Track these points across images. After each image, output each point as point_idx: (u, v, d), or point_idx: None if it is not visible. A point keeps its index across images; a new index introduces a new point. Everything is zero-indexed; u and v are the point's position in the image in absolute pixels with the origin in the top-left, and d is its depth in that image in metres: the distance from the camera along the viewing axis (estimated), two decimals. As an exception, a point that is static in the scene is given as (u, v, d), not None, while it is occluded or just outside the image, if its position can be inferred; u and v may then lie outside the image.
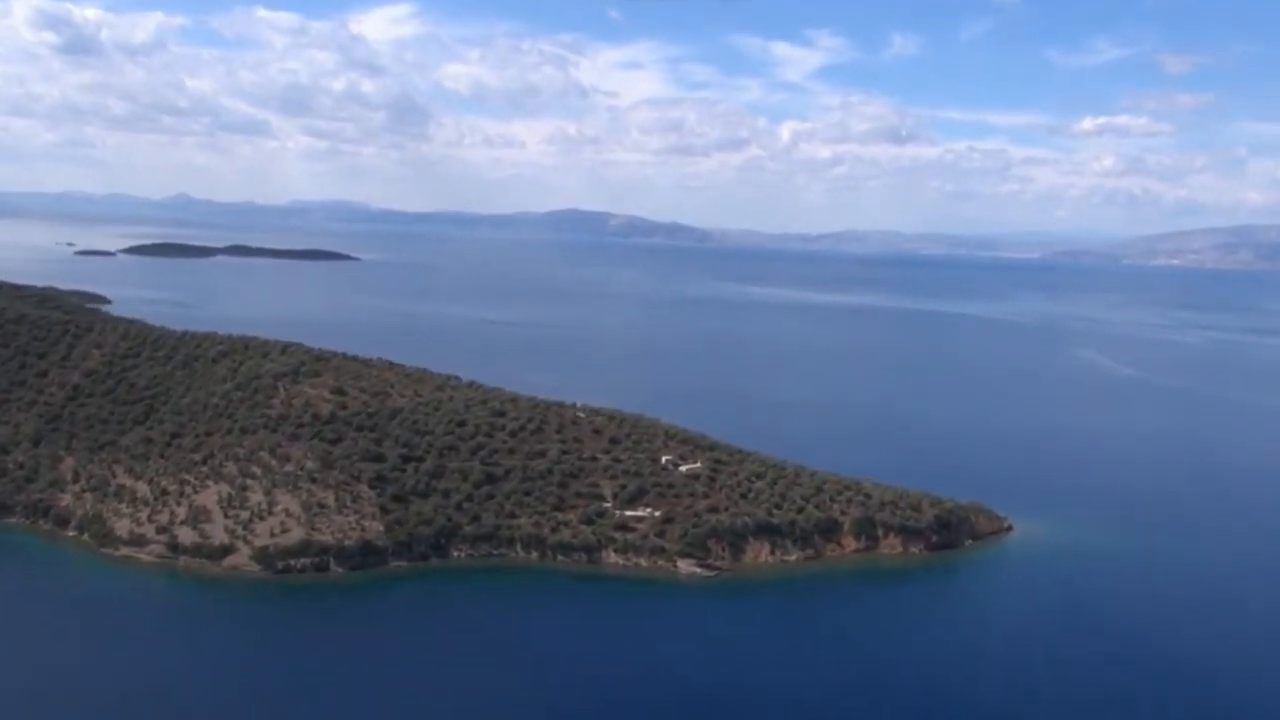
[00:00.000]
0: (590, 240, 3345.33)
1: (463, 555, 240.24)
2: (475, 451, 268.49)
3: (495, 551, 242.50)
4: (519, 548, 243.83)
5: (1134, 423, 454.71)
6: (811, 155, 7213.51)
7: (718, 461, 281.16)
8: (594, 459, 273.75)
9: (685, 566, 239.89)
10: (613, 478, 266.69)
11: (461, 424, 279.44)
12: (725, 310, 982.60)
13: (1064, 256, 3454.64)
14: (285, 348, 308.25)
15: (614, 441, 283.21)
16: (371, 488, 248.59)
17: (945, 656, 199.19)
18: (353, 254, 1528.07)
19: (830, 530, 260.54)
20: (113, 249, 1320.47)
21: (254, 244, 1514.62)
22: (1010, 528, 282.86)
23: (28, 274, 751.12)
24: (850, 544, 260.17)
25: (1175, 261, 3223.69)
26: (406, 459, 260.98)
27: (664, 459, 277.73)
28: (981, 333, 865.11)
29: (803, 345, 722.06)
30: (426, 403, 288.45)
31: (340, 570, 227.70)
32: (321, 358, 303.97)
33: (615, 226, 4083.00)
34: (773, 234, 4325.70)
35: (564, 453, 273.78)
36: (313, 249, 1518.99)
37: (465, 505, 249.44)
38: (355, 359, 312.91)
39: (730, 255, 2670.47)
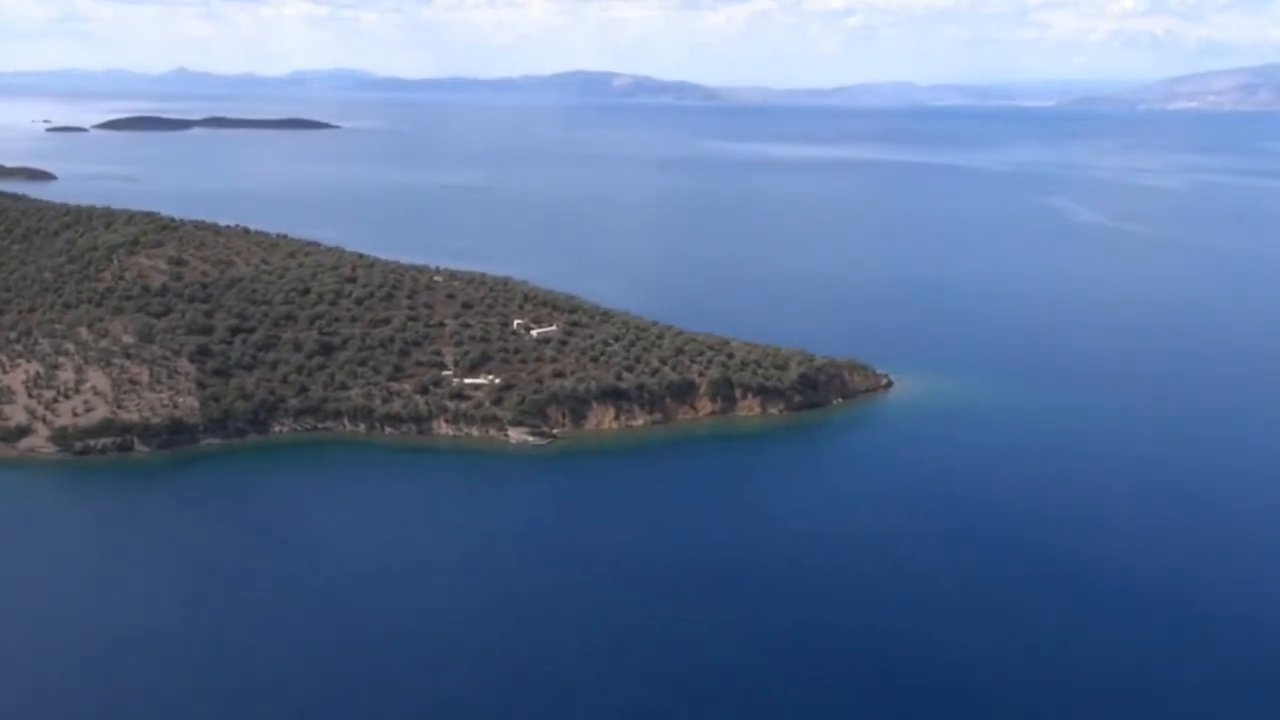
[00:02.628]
0: (594, 102, 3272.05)
1: (285, 431, 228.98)
2: (314, 321, 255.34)
3: (321, 426, 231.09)
4: (346, 421, 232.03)
5: (1066, 273, 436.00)
6: (824, 5, 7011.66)
7: (575, 325, 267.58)
8: (441, 325, 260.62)
9: (516, 435, 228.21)
10: (458, 344, 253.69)
11: (305, 292, 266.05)
12: (705, 169, 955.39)
13: (1081, 104, 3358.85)
14: (131, 217, 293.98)
15: (466, 306, 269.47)
16: (192, 362, 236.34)
17: (769, 525, 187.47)
18: (335, 123, 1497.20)
19: (684, 393, 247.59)
20: (87, 125, 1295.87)
21: (233, 115, 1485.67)
22: (889, 385, 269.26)
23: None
24: (706, 406, 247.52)
25: (1194, 104, 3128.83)
26: (237, 330, 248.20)
27: (516, 323, 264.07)
28: (958, 183, 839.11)
29: (766, 202, 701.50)
30: (271, 271, 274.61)
31: (145, 450, 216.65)
32: (169, 227, 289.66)
33: (621, 87, 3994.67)
34: (784, 89, 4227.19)
35: (410, 319, 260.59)
36: (293, 118, 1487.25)
37: (293, 378, 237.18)
38: (206, 227, 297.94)
39: (736, 113, 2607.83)
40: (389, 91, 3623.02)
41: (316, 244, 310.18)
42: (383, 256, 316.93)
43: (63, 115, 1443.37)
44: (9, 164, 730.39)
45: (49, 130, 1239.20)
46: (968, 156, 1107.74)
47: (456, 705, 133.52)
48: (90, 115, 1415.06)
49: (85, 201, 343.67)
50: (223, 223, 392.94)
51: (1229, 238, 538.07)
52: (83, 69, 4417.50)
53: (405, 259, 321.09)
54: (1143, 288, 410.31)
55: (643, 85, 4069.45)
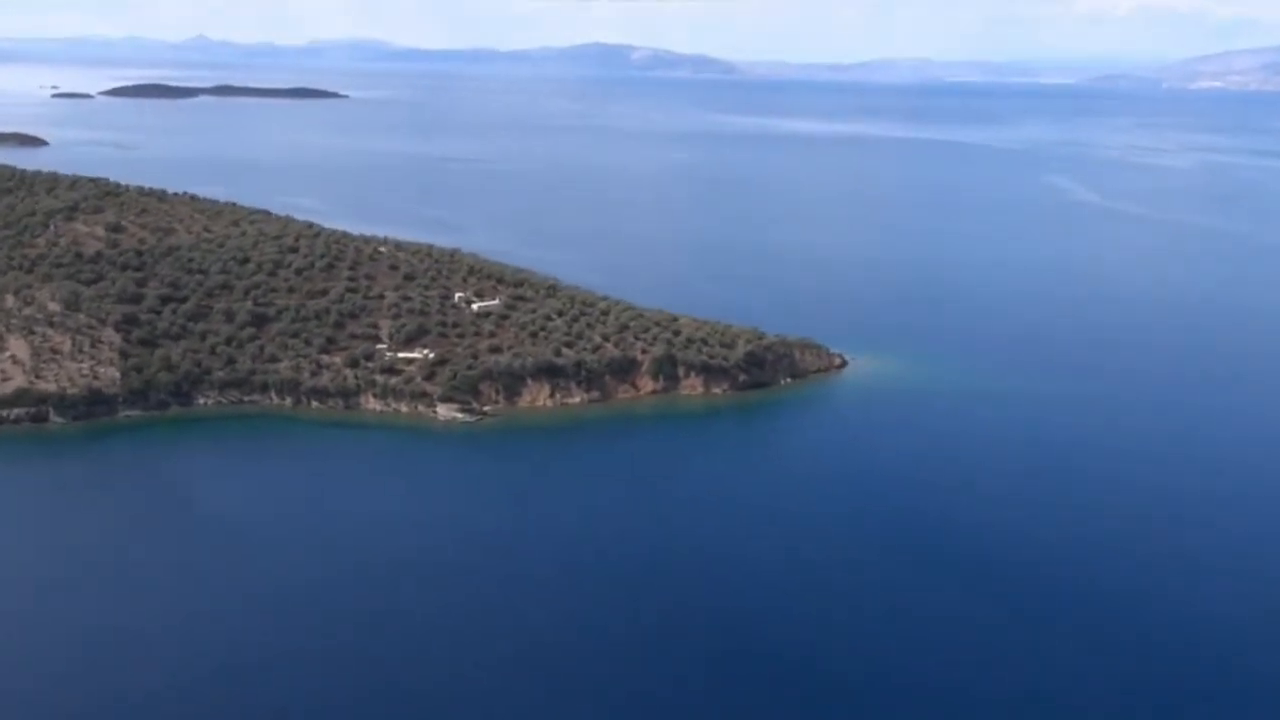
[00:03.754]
0: (611, 75, 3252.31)
1: (209, 403, 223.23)
2: (249, 291, 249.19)
3: (247, 399, 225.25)
4: (273, 394, 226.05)
5: (1047, 253, 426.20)
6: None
7: (519, 299, 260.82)
8: (380, 297, 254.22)
9: (445, 411, 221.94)
10: (395, 317, 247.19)
11: (244, 261, 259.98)
12: (706, 143, 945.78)
13: (1102, 81, 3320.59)
14: (74, 183, 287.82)
15: (408, 279, 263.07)
16: (118, 331, 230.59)
17: (690, 508, 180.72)
18: (344, 92, 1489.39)
19: (626, 371, 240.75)
20: (93, 92, 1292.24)
21: (240, 84, 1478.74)
22: (843, 365, 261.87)
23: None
24: (647, 385, 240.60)
25: (1218, 84, 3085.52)
26: (168, 300, 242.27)
27: (457, 297, 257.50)
28: (960, 160, 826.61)
29: (760, 178, 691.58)
30: (211, 239, 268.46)
31: (61, 421, 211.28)
32: (112, 193, 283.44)
33: (639, 60, 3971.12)
34: (802, 64, 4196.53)
35: (349, 291, 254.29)
36: (301, 88, 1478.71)
37: (221, 349, 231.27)
38: (151, 193, 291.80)
39: (751, 87, 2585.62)
40: (405, 62, 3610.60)
41: (266, 213, 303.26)
42: (352, 227, 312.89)
43: (73, 82, 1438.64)
44: (2, 130, 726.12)
45: (54, 96, 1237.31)
46: (975, 133, 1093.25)
47: (359, 681, 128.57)
48: (100, 82, 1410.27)
49: (72, 168, 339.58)
50: (205, 190, 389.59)
51: (1224, 219, 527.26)
52: (101, 36, 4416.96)
53: (375, 229, 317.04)
54: (1121, 269, 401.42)
55: (660, 58, 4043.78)
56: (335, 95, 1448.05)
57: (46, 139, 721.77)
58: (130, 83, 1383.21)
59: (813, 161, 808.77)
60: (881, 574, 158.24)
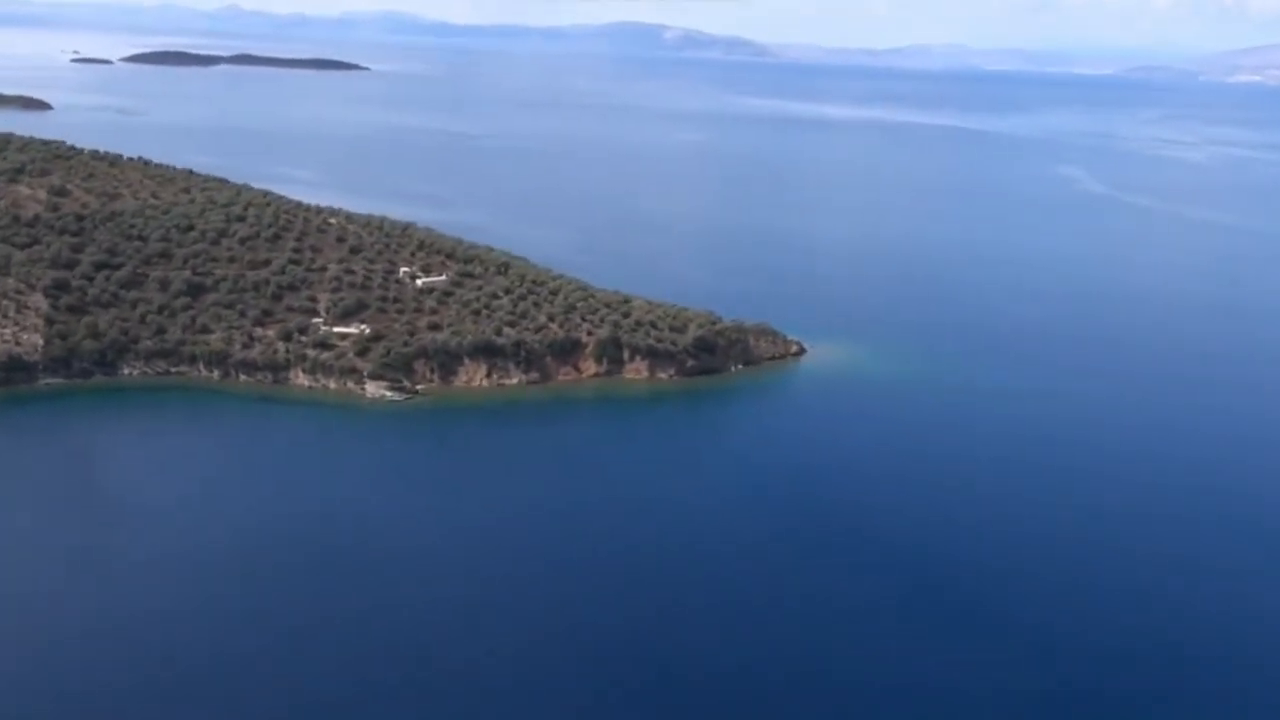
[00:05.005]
0: (641, 54, 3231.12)
1: (135, 374, 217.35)
2: (189, 259, 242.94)
3: (174, 370, 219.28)
4: (201, 366, 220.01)
5: (1039, 244, 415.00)
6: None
7: (467, 275, 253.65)
8: (323, 270, 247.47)
9: (373, 389, 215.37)
10: (335, 291, 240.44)
11: (187, 229, 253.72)
12: (722, 125, 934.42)
13: (1139, 72, 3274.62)
14: (25, 144, 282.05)
15: (354, 251, 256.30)
16: (47, 297, 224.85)
17: (610, 496, 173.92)
18: (365, 65, 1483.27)
19: (568, 352, 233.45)
20: (113, 58, 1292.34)
21: (262, 53, 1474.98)
22: (799, 352, 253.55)
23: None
24: (590, 368, 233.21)
25: (1257, 78, 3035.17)
26: (103, 266, 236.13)
27: (402, 271, 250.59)
28: (976, 147, 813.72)
29: (764, 160, 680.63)
30: (157, 206, 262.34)
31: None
32: (63, 156, 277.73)
33: (671, 40, 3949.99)
34: (835, 49, 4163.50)
35: (292, 262, 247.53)
36: (322, 59, 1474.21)
37: (151, 318, 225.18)
38: (104, 157, 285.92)
39: (780, 70, 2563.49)
40: (436, 36, 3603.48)
41: (223, 181, 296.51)
42: (339, 200, 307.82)
43: (95, 48, 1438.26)
44: (8, 92, 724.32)
45: (73, 61, 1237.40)
46: (996, 121, 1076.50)
47: (243, 663, 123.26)
48: (123, 49, 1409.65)
49: (68, 131, 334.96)
50: (200, 158, 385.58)
51: (1230, 213, 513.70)
52: (133, 2, 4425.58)
53: (361, 203, 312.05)
54: (1110, 261, 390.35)
55: (693, 39, 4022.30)
56: (356, 67, 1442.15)
57: (51, 103, 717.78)
58: (151, 49, 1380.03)
59: (823, 145, 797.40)
60: (774, 564, 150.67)
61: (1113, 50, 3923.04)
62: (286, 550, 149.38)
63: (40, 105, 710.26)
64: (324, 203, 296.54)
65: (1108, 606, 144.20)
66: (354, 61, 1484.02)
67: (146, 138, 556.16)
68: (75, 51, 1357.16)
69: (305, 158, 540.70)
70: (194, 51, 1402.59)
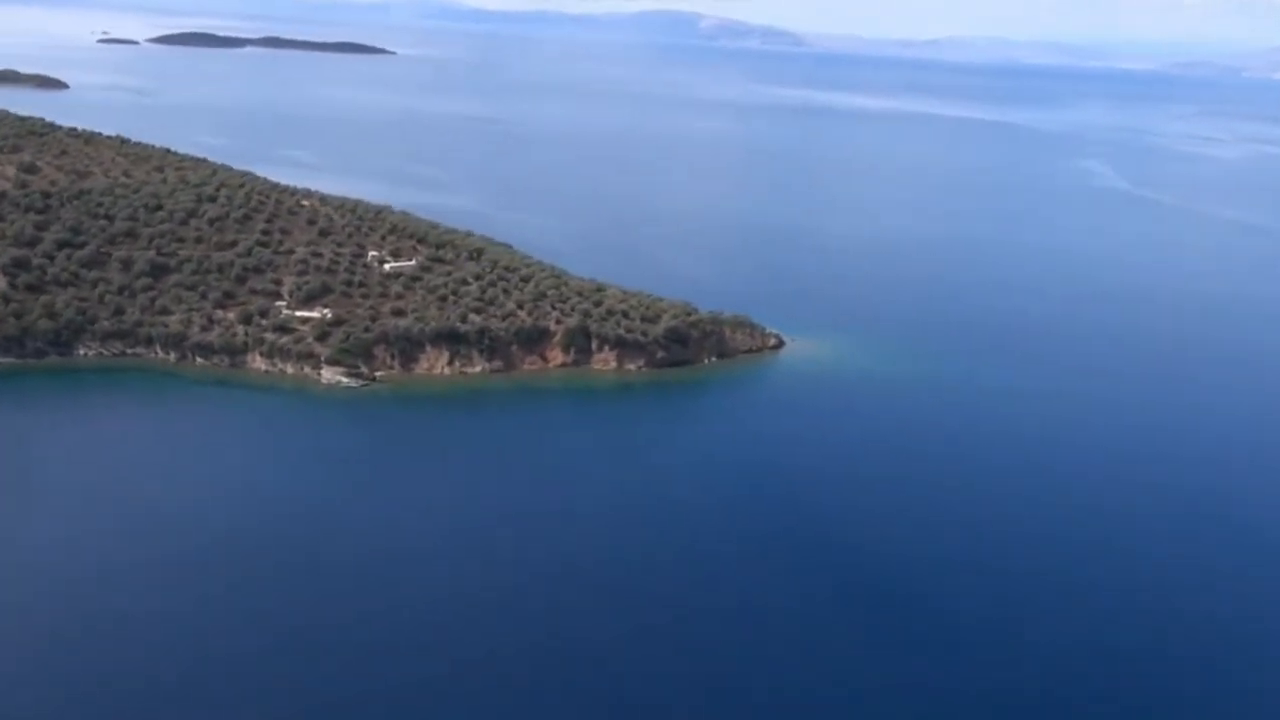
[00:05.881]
0: (675, 42, 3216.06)
1: (90, 354, 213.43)
2: (154, 239, 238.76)
3: (130, 351, 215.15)
4: (158, 348, 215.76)
5: (1043, 239, 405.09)
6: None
7: (437, 260, 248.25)
8: (290, 252, 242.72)
9: (329, 375, 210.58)
10: (300, 274, 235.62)
11: (156, 209, 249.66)
12: (738, 113, 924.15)
13: (1181, 68, 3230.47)
14: (0, 119, 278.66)
15: (323, 234, 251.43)
16: (5, 275, 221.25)
17: (556, 493, 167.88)
18: (391, 49, 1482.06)
19: (536, 341, 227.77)
20: (140, 39, 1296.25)
21: (288, 36, 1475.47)
22: (779, 346, 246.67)
23: (10, 59, 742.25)
24: (557, 357, 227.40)
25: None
26: (66, 245, 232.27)
27: (370, 255, 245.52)
28: (998, 140, 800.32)
29: (782, 151, 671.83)
30: (128, 185, 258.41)
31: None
32: (38, 132, 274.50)
33: (707, 28, 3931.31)
34: (873, 40, 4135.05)
35: (260, 244, 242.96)
36: (348, 43, 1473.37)
37: (110, 298, 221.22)
38: (79, 134, 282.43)
39: (815, 60, 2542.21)
40: (470, 22, 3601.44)
41: (201, 161, 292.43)
42: (338, 183, 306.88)
43: (124, 28, 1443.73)
44: (25, 71, 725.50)
45: (99, 42, 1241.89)
46: (1024, 114, 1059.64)
47: (175, 649, 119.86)
48: (151, 30, 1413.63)
49: (79, 110, 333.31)
50: (205, 138, 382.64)
51: (1257, 213, 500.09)
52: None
53: (360, 186, 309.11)
54: (1116, 258, 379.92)
55: (729, 28, 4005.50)
56: (382, 51, 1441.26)
57: (68, 82, 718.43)
58: (179, 30, 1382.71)
59: (840, 136, 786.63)
60: (712, 567, 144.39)
61: (1155, 44, 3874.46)
62: (198, 536, 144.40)
63: (56, 84, 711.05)
64: (321, 185, 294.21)
65: (1093, 601, 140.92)
66: (380, 46, 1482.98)
67: (155, 118, 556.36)
68: (104, 32, 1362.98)
69: (310, 140, 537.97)
70: (221, 34, 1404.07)
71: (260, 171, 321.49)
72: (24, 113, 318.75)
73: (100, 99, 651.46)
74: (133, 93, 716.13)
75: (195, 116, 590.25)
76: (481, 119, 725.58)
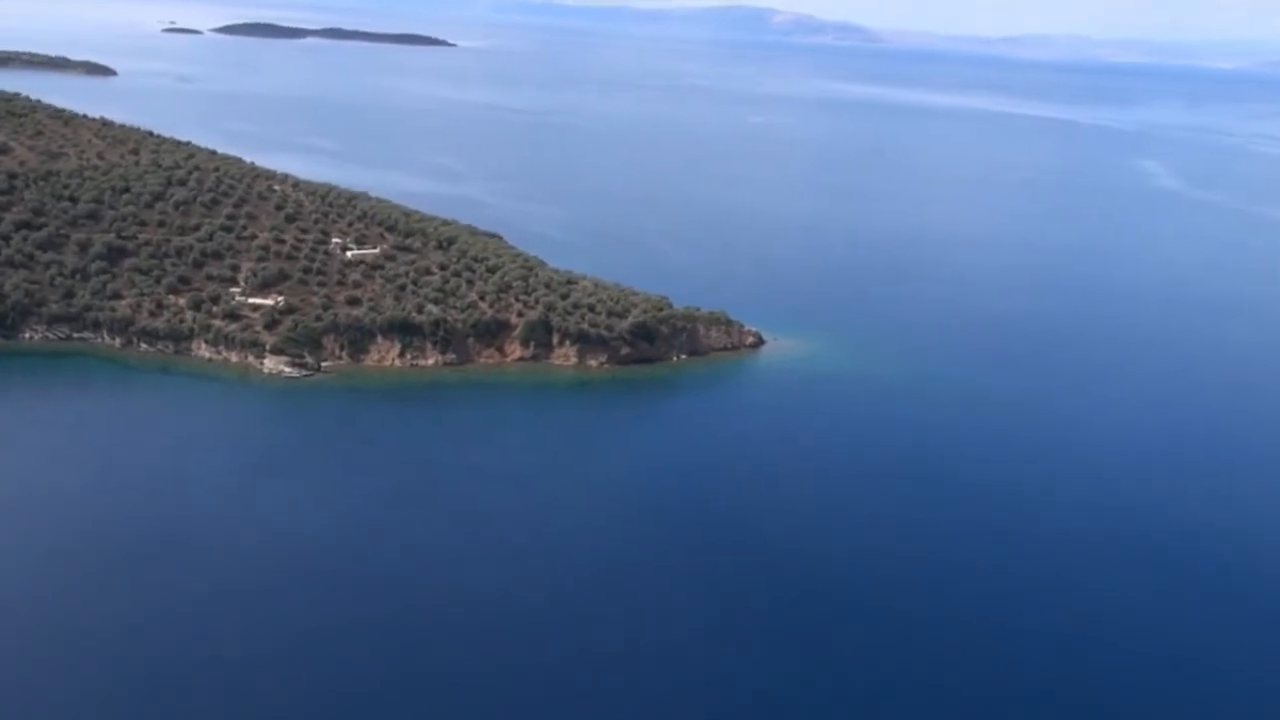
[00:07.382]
0: (748, 38, 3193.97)
1: (35, 337, 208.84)
2: (115, 222, 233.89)
3: (76, 335, 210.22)
4: (105, 333, 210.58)
5: (1074, 239, 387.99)
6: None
7: (403, 249, 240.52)
8: (253, 237, 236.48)
9: (271, 364, 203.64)
10: (260, 259, 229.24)
11: (123, 191, 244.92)
12: (797, 109, 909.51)
13: (1269, 67, 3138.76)
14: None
15: (290, 219, 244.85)
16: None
17: (487, 495, 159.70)
18: (451, 40, 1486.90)
19: (494, 333, 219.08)
20: (204, 29, 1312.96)
21: (349, 27, 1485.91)
22: (756, 344, 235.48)
23: (75, 45, 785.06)
24: (515, 351, 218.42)
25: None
26: (25, 226, 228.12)
27: (334, 242, 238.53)
28: (1057, 137, 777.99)
29: (827, 145, 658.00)
30: (98, 167, 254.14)
31: None
32: (16, 113, 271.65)
33: (779, 24, 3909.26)
34: (949, 36, 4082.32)
35: (223, 229, 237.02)
36: (408, 34, 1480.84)
37: (60, 281, 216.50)
38: (60, 114, 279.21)
39: (888, 56, 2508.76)
40: (543, 15, 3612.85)
41: (182, 143, 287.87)
42: (351, 172, 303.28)
43: (190, 18, 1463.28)
44: (75, 58, 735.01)
45: (164, 31, 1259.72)
46: (1091, 112, 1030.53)
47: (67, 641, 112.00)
48: (215, 20, 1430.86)
49: (121, 96, 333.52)
50: (232, 124, 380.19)
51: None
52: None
53: (374, 174, 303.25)
54: (1150, 259, 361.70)
55: (802, 24, 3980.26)
56: (442, 43, 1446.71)
57: (117, 70, 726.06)
58: (242, 20, 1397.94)
59: (897, 132, 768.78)
60: (630, 580, 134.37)
61: (1244, 43, 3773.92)
62: (78, 524, 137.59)
63: (105, 71, 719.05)
64: (330, 173, 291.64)
65: (1077, 603, 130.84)
66: (441, 37, 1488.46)
67: (191, 103, 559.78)
68: (171, 21, 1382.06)
69: (340, 129, 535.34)
70: (283, 24, 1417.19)
71: (274, 159, 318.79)
72: (59, 99, 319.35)
73: (143, 85, 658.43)
74: (175, 79, 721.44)
75: (231, 104, 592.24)
76: (523, 110, 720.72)
